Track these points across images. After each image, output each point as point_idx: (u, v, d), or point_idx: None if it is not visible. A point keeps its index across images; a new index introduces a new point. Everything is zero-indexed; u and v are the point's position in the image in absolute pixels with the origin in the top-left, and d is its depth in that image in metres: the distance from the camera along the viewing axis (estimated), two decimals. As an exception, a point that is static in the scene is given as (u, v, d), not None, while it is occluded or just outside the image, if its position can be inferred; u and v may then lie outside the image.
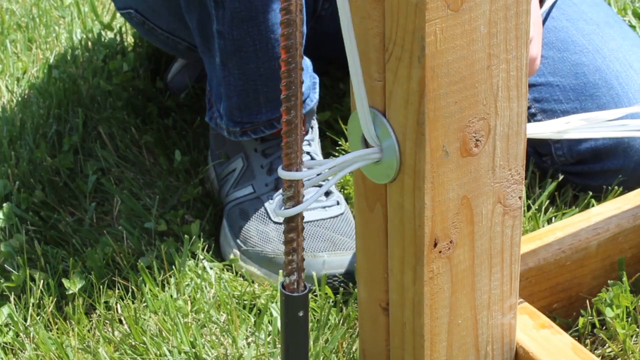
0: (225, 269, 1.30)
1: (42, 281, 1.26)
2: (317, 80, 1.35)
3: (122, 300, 1.24)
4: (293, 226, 0.84)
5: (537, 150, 1.40)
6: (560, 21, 1.39)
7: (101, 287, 1.26)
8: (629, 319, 1.11)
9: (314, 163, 0.82)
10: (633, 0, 1.87)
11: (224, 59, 1.25)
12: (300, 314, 0.87)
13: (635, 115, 1.30)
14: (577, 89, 1.35)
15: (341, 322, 1.19)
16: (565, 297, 1.11)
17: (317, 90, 1.34)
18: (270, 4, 1.18)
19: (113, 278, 1.28)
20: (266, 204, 1.31)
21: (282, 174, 0.81)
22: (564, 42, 1.37)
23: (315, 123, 1.40)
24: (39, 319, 1.22)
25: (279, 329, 0.92)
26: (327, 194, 1.32)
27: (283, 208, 0.83)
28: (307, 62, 1.33)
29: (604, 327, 1.11)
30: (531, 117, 1.37)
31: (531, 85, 1.36)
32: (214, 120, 1.34)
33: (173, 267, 1.27)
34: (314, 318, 1.19)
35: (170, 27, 1.46)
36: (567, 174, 1.38)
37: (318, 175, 0.83)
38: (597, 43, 1.36)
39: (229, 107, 1.29)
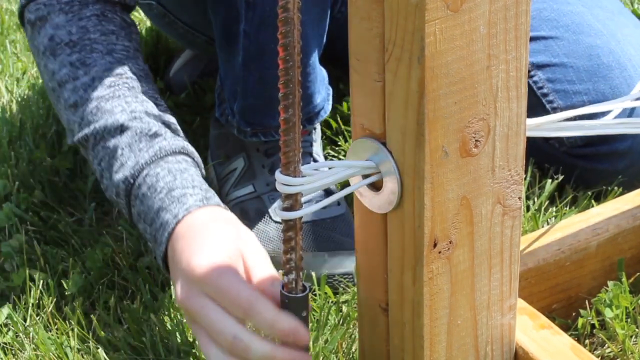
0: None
1: (41, 281, 1.26)
2: (330, 91, 1.35)
3: (122, 300, 1.24)
4: (291, 225, 0.84)
5: None
6: (577, 6, 1.41)
7: (100, 287, 1.26)
8: (629, 320, 1.11)
9: (312, 172, 0.82)
10: (633, 1, 1.88)
11: (246, 60, 1.25)
12: (304, 314, 0.88)
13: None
14: (591, 70, 1.36)
15: (341, 322, 1.19)
16: (564, 297, 1.11)
17: (330, 101, 1.35)
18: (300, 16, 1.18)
19: (112, 278, 1.28)
20: (267, 204, 1.31)
21: (280, 177, 0.81)
22: (580, 26, 1.39)
23: (317, 124, 1.40)
24: (39, 319, 1.22)
25: None
26: (328, 194, 1.32)
27: (282, 208, 0.83)
28: (323, 73, 1.33)
29: (604, 328, 1.11)
30: (543, 97, 1.37)
31: (545, 66, 1.38)
32: (224, 117, 1.34)
33: (173, 267, 1.27)
34: (314, 318, 1.19)
35: (192, 21, 1.46)
36: (574, 157, 1.38)
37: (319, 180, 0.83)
38: (612, 28, 1.38)
39: (243, 106, 1.29)
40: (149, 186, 1.07)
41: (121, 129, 1.11)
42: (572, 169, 1.38)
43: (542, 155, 1.41)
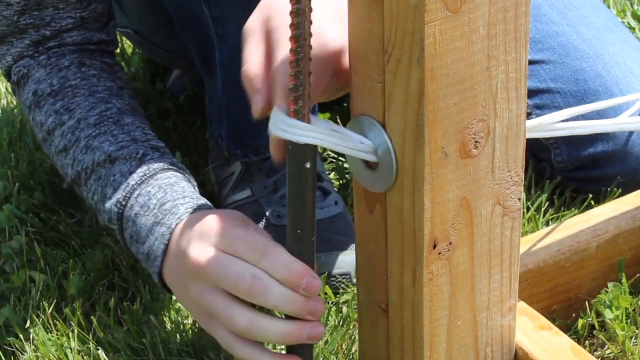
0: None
1: (41, 282, 1.26)
2: None
3: (122, 301, 1.24)
4: (300, 55, 0.78)
5: (536, 155, 1.40)
6: (561, 26, 1.39)
7: (101, 288, 1.26)
8: (628, 321, 1.11)
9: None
10: (632, 2, 1.88)
11: (225, 87, 1.26)
12: (307, 165, 0.83)
13: (630, 105, 1.31)
14: (578, 95, 1.35)
15: (341, 323, 1.19)
16: (564, 298, 1.11)
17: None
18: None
19: (113, 280, 1.28)
20: (265, 207, 1.31)
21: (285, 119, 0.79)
22: (565, 48, 1.37)
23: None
24: (39, 321, 1.22)
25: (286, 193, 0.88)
26: (326, 194, 1.32)
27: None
28: None
29: (603, 329, 1.11)
30: None
31: (532, 92, 1.37)
32: (214, 139, 1.35)
33: (173, 268, 1.27)
34: (314, 319, 1.19)
35: (170, 46, 1.47)
36: (565, 179, 1.38)
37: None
38: (598, 48, 1.37)
39: (230, 131, 1.30)
40: (141, 205, 1.07)
41: (110, 159, 1.12)
42: (563, 192, 1.39)
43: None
